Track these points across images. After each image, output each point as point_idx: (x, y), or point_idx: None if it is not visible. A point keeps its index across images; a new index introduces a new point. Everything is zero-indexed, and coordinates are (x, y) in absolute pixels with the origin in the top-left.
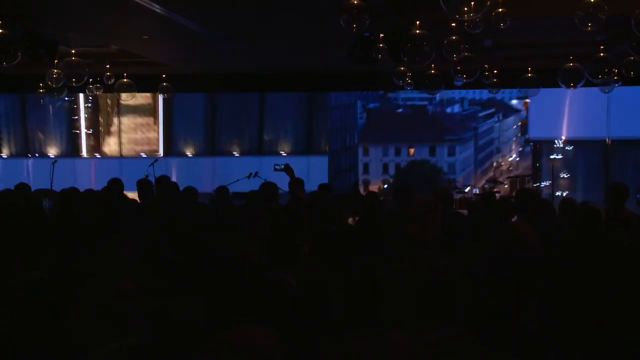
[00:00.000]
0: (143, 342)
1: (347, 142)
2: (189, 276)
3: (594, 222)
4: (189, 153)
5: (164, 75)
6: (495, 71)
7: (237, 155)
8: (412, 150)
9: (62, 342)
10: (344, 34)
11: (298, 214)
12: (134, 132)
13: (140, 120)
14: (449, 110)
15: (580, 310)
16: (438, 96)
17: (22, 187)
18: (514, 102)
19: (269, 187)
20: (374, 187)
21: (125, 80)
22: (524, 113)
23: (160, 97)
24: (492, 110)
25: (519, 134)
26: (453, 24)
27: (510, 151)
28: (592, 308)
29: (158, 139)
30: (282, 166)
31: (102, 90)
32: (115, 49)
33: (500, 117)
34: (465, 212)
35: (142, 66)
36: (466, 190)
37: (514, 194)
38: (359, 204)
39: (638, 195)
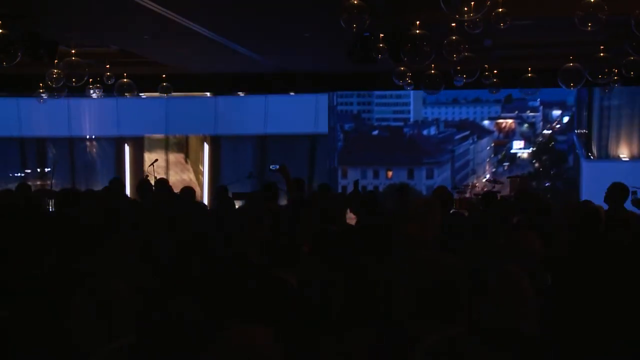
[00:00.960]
0: (143, 342)
1: (327, 165)
2: (189, 276)
3: (594, 222)
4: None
5: (164, 75)
6: (495, 71)
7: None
8: (390, 173)
9: (62, 342)
10: (343, 33)
11: (298, 214)
12: (165, 173)
13: (170, 157)
14: (425, 132)
15: (580, 310)
16: (412, 118)
17: (23, 187)
18: (486, 122)
19: (269, 188)
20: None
21: (125, 80)
22: (496, 134)
23: (206, 148)
24: (467, 132)
25: (492, 155)
26: (453, 24)
27: (484, 172)
28: (592, 308)
29: (198, 183)
30: (278, 167)
31: (102, 90)
32: (115, 49)
33: (475, 139)
34: (465, 212)
35: (142, 66)
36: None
37: (513, 194)
38: (359, 204)
39: (634, 196)
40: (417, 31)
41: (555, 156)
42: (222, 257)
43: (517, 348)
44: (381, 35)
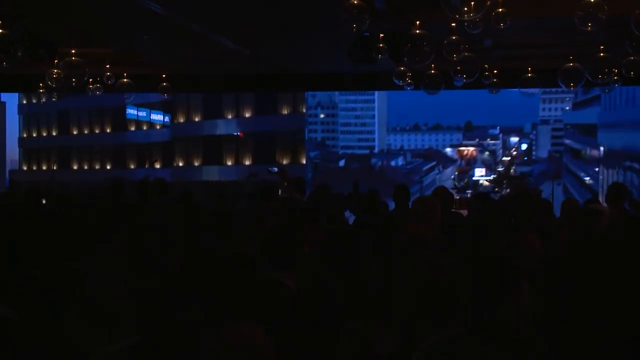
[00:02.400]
0: (142, 342)
1: None
2: (187, 276)
3: (594, 222)
4: None
5: (164, 75)
6: (495, 71)
7: None
8: None
9: (62, 343)
10: (343, 33)
11: (298, 214)
12: None
13: None
14: (393, 163)
15: (580, 310)
16: (377, 146)
17: (27, 187)
18: (448, 150)
19: (269, 188)
20: None
21: (125, 80)
22: (459, 161)
23: None
24: (434, 163)
25: (456, 183)
26: (453, 24)
27: None
28: (592, 308)
29: None
30: (276, 169)
31: (102, 90)
32: (116, 49)
33: (441, 169)
34: (465, 212)
35: (142, 66)
36: None
37: (513, 194)
38: (359, 204)
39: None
40: (417, 31)
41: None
42: (222, 257)
43: (516, 348)
44: (381, 35)
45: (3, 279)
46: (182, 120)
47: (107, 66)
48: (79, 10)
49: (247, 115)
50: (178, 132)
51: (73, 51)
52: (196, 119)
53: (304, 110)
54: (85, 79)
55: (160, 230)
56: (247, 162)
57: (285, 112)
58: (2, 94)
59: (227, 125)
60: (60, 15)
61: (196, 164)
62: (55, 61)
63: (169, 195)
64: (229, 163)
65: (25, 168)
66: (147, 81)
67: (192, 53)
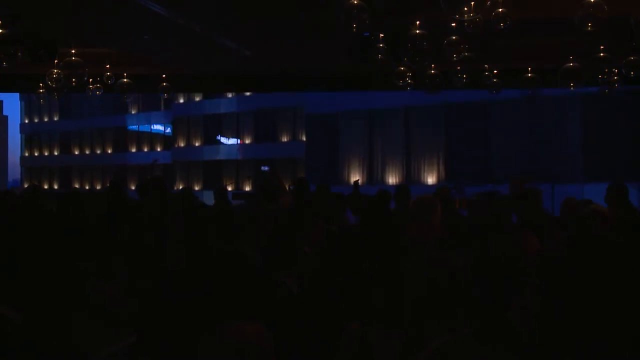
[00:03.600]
0: (142, 342)
1: None
2: (188, 274)
3: (593, 223)
4: None
5: (164, 75)
6: (495, 71)
7: None
8: None
9: (63, 343)
10: (342, 33)
11: (298, 215)
12: None
13: None
14: None
15: (579, 311)
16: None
17: (29, 187)
18: None
19: (268, 189)
20: None
21: (125, 80)
22: None
23: None
24: None
25: None
26: (453, 24)
27: None
28: (591, 309)
29: None
30: (268, 168)
31: (102, 90)
32: (115, 49)
33: None
34: (465, 211)
35: (142, 66)
36: None
37: (513, 193)
38: (359, 204)
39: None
40: (417, 31)
41: None
42: (222, 256)
43: (517, 349)
44: (381, 35)
45: (5, 280)
46: (182, 144)
47: (107, 66)
48: (79, 10)
49: (247, 141)
50: (179, 156)
51: (73, 51)
52: (196, 144)
53: (304, 139)
54: (85, 79)
55: (160, 228)
56: (247, 188)
57: (285, 139)
58: (4, 109)
59: (227, 150)
60: (60, 15)
61: (197, 188)
62: (55, 61)
63: (168, 194)
64: (229, 188)
65: (26, 186)
66: (147, 81)
67: (192, 53)
